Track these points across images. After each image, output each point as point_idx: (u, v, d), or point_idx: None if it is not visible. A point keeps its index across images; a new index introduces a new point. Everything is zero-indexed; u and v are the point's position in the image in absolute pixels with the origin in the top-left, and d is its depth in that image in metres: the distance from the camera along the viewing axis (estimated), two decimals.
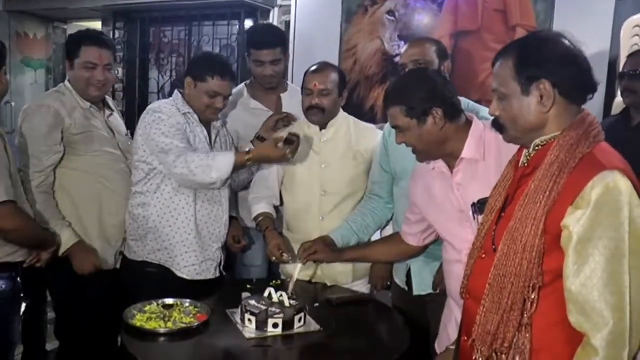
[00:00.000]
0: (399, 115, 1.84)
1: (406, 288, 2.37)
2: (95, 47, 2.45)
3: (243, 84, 2.89)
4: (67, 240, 2.38)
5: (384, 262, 2.41)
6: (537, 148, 1.44)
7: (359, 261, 2.42)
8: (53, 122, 2.37)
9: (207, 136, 2.44)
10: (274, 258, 2.42)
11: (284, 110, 2.76)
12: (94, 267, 2.44)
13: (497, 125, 1.49)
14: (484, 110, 2.38)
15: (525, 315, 1.35)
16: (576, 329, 1.31)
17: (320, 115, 2.43)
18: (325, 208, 2.47)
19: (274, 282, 2.40)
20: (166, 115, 2.32)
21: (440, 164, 1.91)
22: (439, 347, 2.06)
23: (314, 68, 2.46)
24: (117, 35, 5.03)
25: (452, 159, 1.87)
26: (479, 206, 1.79)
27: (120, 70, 5.06)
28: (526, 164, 1.46)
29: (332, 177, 2.46)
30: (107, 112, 2.59)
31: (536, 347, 1.36)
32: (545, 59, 1.39)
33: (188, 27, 4.77)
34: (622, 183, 1.28)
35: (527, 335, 1.36)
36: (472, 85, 3.38)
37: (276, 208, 2.59)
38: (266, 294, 2.11)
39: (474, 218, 1.82)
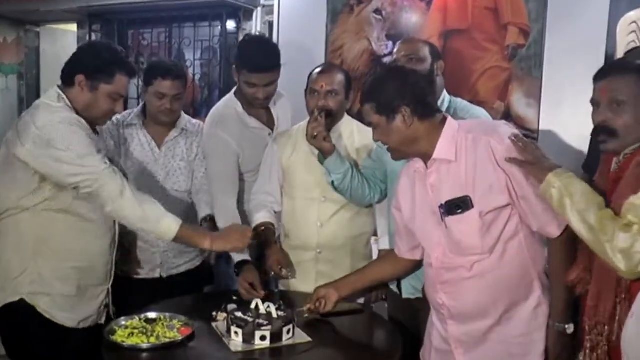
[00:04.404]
0: (370, 112, 1.92)
1: (397, 292, 2.41)
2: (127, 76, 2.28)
3: (232, 95, 2.77)
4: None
5: (387, 280, 2.40)
6: (626, 156, 1.68)
7: (363, 286, 2.33)
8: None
9: (154, 146, 2.72)
10: (273, 273, 2.44)
11: (277, 123, 2.77)
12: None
13: (608, 130, 1.69)
14: (478, 110, 2.43)
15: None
16: None
17: (327, 117, 2.43)
18: (325, 214, 2.50)
19: (263, 291, 2.38)
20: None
21: (420, 164, 1.96)
22: (423, 355, 2.11)
23: (319, 69, 2.49)
24: (93, 39, 5.01)
25: (427, 158, 1.92)
26: (447, 207, 1.85)
27: None
28: (617, 170, 1.71)
29: None
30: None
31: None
32: None
33: (168, 29, 4.77)
34: None
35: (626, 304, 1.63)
36: (464, 85, 3.42)
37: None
38: (253, 305, 2.11)
39: (442, 219, 1.87)
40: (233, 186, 2.65)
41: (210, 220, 2.64)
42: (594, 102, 1.74)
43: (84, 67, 2.18)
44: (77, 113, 2.17)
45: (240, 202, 2.68)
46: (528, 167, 1.74)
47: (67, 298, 2.19)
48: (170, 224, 2.15)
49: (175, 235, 2.15)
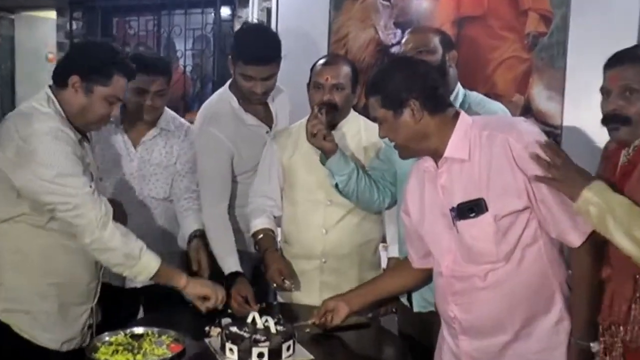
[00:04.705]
0: (375, 106, 1.92)
1: (408, 304, 2.42)
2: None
3: (227, 89, 2.77)
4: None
5: (401, 292, 2.40)
6: (636, 148, 1.73)
7: (375, 299, 2.33)
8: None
9: (130, 145, 2.69)
10: (275, 285, 2.45)
11: (275, 120, 2.78)
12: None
13: (621, 118, 1.72)
14: (495, 105, 2.43)
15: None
16: None
17: (332, 113, 2.43)
18: (330, 220, 2.50)
19: (258, 305, 2.39)
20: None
21: (429, 163, 1.96)
22: None
23: (324, 60, 2.51)
24: (74, 27, 5.02)
25: (438, 157, 1.92)
26: (459, 210, 1.85)
27: None
28: (627, 163, 1.75)
29: None
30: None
31: None
32: None
33: (157, 17, 4.78)
34: None
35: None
36: (479, 77, 3.42)
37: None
38: (249, 319, 2.12)
39: (453, 224, 1.88)
40: (225, 189, 2.66)
41: (200, 236, 2.62)
42: (604, 90, 1.79)
43: (79, 67, 2.16)
44: (69, 118, 2.16)
45: (232, 206, 2.70)
46: (557, 184, 1.73)
47: (49, 316, 2.18)
48: (150, 262, 2.15)
49: (154, 273, 2.16)
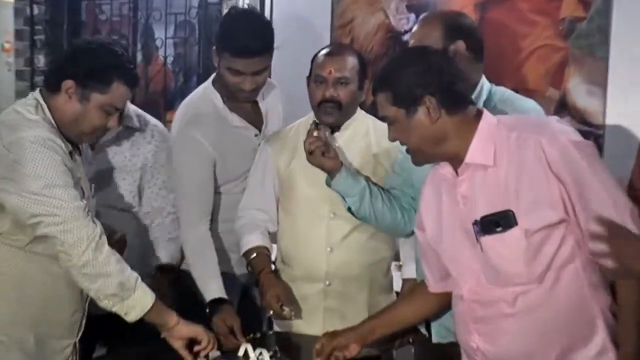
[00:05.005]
0: (385, 104, 1.92)
1: (426, 334, 2.40)
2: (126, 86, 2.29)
3: (210, 84, 2.78)
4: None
5: (420, 322, 2.37)
6: None
7: (390, 332, 2.31)
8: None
9: (86, 146, 2.58)
10: (272, 312, 2.44)
11: (265, 121, 2.78)
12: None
13: None
14: (526, 102, 2.41)
15: None
16: None
17: (336, 112, 2.45)
18: (335, 236, 2.51)
19: (251, 335, 2.40)
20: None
21: (447, 170, 1.95)
22: None
23: (327, 50, 2.52)
24: (36, 12, 5.02)
25: (458, 163, 1.91)
26: (483, 224, 1.84)
27: (41, 58, 5.03)
28: None
29: None
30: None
31: None
32: None
33: (133, 0, 4.77)
34: None
35: None
36: (506, 69, 3.42)
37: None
38: (241, 352, 2.15)
39: (477, 240, 1.87)
40: (206, 202, 2.66)
41: (166, 270, 2.65)
42: None
43: (74, 70, 2.17)
44: (60, 127, 2.18)
45: (214, 221, 2.70)
46: (628, 267, 1.66)
47: (24, 347, 2.18)
48: (145, 295, 2.14)
49: (147, 310, 2.13)
